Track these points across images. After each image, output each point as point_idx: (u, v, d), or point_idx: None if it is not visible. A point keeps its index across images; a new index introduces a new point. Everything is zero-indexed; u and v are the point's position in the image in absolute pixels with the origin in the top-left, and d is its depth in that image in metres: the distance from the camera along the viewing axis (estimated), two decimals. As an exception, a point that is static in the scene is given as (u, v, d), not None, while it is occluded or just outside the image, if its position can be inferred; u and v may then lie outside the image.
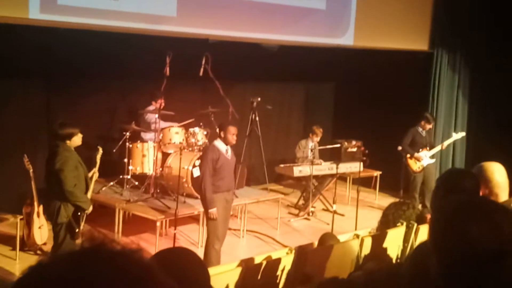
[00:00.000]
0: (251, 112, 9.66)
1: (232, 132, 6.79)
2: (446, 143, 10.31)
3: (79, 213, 5.90)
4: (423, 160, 9.86)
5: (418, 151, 9.85)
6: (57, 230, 5.94)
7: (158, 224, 7.63)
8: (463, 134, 10.48)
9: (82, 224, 5.97)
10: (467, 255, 1.63)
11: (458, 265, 1.64)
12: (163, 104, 8.79)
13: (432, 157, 9.98)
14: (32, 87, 8.74)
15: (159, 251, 2.16)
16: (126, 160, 8.51)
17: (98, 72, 8.97)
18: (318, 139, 10.02)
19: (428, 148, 9.94)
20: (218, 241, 6.78)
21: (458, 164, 11.20)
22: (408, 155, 9.87)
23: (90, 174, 6.28)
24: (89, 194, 6.17)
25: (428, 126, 9.93)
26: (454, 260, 1.65)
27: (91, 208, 6.01)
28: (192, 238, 8.28)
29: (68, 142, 5.91)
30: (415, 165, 9.86)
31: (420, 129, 9.91)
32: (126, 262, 0.90)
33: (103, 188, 8.51)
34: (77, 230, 5.90)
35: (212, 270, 2.92)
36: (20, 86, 8.55)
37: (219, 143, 6.81)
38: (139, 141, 8.74)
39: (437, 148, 10.12)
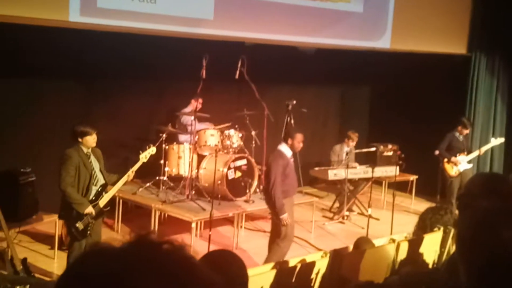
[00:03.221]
0: (286, 115, 9.65)
1: (299, 140, 6.88)
2: (484, 148, 10.15)
3: (73, 213, 6.03)
4: (460, 164, 9.73)
5: (455, 156, 9.73)
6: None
7: (193, 225, 7.69)
8: (502, 140, 10.29)
9: (82, 224, 6.05)
10: (497, 262, 1.54)
11: (487, 274, 1.55)
12: (199, 106, 8.85)
13: (469, 162, 9.83)
14: (71, 90, 8.89)
15: (208, 252, 2.48)
16: (162, 161, 8.59)
17: (135, 74, 9.09)
18: (354, 144, 9.97)
19: (465, 153, 9.80)
20: (289, 243, 6.92)
21: (496, 169, 11.01)
22: (445, 160, 9.76)
23: (125, 176, 6.36)
24: (110, 193, 6.27)
25: (465, 131, 9.79)
26: (483, 269, 1.56)
27: (89, 210, 6.04)
28: (227, 240, 8.31)
29: (80, 140, 6.03)
30: (451, 170, 9.74)
31: (457, 134, 9.78)
32: (170, 258, 0.93)
33: (140, 189, 8.61)
34: (73, 230, 6.04)
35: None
36: (59, 88, 8.70)
37: (285, 149, 6.86)
38: (175, 143, 8.82)
39: (475, 153, 9.97)
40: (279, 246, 6.83)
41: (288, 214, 6.74)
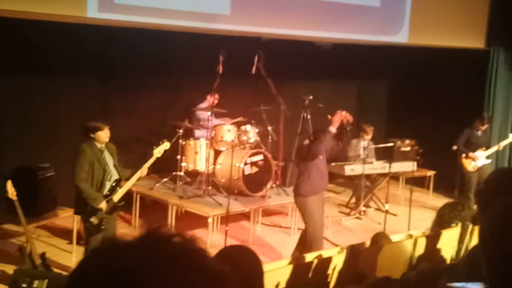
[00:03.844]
0: (303, 110, 9.63)
1: None
2: (503, 144, 10.05)
3: (88, 208, 6.08)
4: (478, 160, 9.64)
5: (474, 151, 9.64)
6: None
7: (210, 220, 7.71)
8: None
9: (96, 218, 6.10)
10: None
11: (507, 275, 1.53)
12: (216, 102, 8.86)
13: (488, 157, 9.74)
14: (88, 86, 8.95)
15: (223, 248, 2.50)
16: (179, 157, 8.62)
17: (152, 70, 9.12)
18: (369, 137, 9.89)
19: (484, 148, 9.71)
20: (320, 243, 6.77)
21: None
22: (464, 155, 9.68)
23: (139, 172, 6.37)
24: (124, 188, 6.31)
25: (482, 127, 9.69)
26: (506, 267, 1.53)
27: (103, 204, 6.08)
28: (243, 235, 8.32)
29: (92, 136, 6.04)
30: (469, 165, 9.65)
31: (475, 129, 9.70)
32: (181, 251, 0.94)
33: (157, 184, 8.65)
34: (87, 224, 6.10)
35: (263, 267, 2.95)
36: (76, 84, 8.76)
37: None
38: (191, 138, 8.85)
39: (493, 149, 9.88)
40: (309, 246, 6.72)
41: (316, 212, 6.70)
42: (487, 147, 9.78)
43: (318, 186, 6.77)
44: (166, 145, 6.65)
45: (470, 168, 9.65)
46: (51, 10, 6.64)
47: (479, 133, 9.72)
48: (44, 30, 7.56)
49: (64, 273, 6.36)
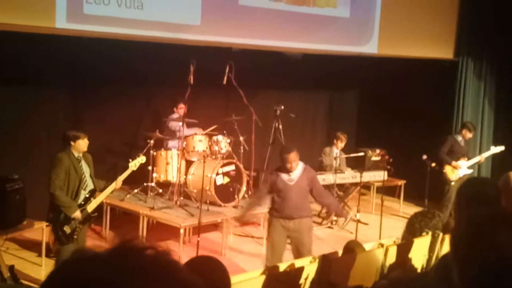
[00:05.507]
0: (275, 120, 9.64)
1: (285, 159, 6.23)
2: (484, 155, 10.06)
3: (61, 216, 6.06)
4: (461, 169, 9.68)
5: (455, 160, 9.64)
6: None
7: (181, 231, 7.67)
8: (502, 148, 10.06)
9: (69, 228, 6.07)
10: (493, 266, 1.56)
11: (483, 277, 1.57)
12: (185, 110, 8.83)
13: (470, 167, 9.74)
14: (58, 97, 8.86)
15: (190, 258, 2.53)
16: (150, 167, 8.56)
17: (123, 81, 9.07)
18: (342, 145, 9.96)
19: (465, 157, 9.74)
20: (267, 261, 6.35)
21: (484, 174, 11.04)
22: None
23: (114, 184, 6.36)
24: (98, 199, 6.31)
25: (469, 135, 9.72)
26: (479, 272, 1.58)
27: (77, 213, 6.08)
28: (215, 246, 8.29)
29: (72, 144, 6.08)
30: (452, 174, 9.61)
31: (459, 138, 9.70)
32: (154, 263, 0.93)
33: (128, 196, 8.57)
34: (60, 233, 6.07)
35: (235, 278, 2.93)
36: (48, 95, 8.67)
37: (283, 167, 6.37)
38: (163, 149, 8.80)
39: (476, 159, 9.85)
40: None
41: (273, 234, 6.47)
42: (468, 157, 9.81)
43: (278, 212, 6.41)
44: (142, 159, 6.77)
45: (452, 177, 9.65)
46: (18, 20, 6.56)
47: (463, 142, 9.73)
48: (14, 40, 7.47)
49: (34, 285, 6.25)
